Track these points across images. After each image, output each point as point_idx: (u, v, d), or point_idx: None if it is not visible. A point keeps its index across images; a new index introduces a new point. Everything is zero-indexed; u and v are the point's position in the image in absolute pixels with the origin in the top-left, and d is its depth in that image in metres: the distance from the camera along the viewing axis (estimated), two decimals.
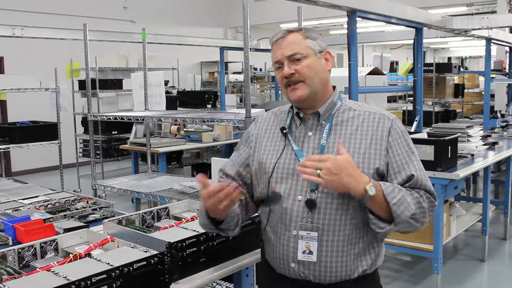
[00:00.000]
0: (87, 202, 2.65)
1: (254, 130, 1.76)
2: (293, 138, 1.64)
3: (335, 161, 1.42)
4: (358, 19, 3.64)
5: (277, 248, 1.62)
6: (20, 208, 2.54)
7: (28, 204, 2.64)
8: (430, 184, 1.60)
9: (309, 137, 1.62)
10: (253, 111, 2.87)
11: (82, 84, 8.05)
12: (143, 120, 3.81)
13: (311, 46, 1.61)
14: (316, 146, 1.60)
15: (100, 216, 2.43)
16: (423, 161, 3.56)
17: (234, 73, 13.47)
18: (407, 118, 7.97)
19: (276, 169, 1.61)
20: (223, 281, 2.59)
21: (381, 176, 1.56)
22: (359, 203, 1.53)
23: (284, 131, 1.65)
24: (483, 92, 8.40)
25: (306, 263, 1.56)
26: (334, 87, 1.69)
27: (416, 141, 3.54)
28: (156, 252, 1.65)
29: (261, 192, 1.65)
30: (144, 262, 1.57)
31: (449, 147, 3.63)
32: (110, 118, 3.99)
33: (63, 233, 2.05)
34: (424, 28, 4.54)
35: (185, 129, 6.70)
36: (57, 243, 1.87)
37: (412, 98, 4.99)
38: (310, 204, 1.54)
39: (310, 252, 1.55)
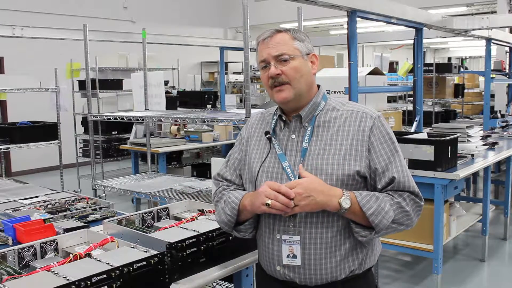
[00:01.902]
0: (87, 202, 2.65)
1: (245, 133, 1.77)
2: (277, 141, 1.64)
3: (300, 184, 1.44)
4: (358, 19, 3.64)
5: (264, 251, 1.64)
6: (20, 208, 2.54)
7: (28, 204, 2.64)
8: (414, 185, 1.58)
9: (292, 140, 1.62)
10: (253, 111, 2.86)
11: (82, 84, 8.06)
12: (143, 120, 3.81)
13: (299, 48, 1.59)
14: (298, 149, 1.59)
15: (100, 216, 2.43)
16: (423, 161, 3.59)
17: (234, 73, 13.46)
18: (407, 118, 7.98)
19: (261, 173, 1.62)
20: (223, 281, 2.59)
21: (363, 177, 1.55)
22: None
23: (268, 135, 1.65)
24: (483, 92, 8.40)
25: (291, 267, 1.57)
26: (318, 86, 1.68)
27: (416, 141, 3.56)
28: (156, 252, 1.65)
29: None
30: (144, 262, 1.57)
31: (449, 147, 3.63)
32: (110, 118, 3.98)
33: (63, 233, 2.05)
34: (424, 28, 4.54)
35: (185, 129, 6.70)
36: (57, 243, 1.87)
37: (412, 98, 4.99)
38: None
39: (294, 256, 1.55)
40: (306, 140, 1.59)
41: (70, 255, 1.69)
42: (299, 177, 1.54)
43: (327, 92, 1.97)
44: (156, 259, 1.61)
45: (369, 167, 1.55)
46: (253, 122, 1.77)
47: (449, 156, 3.63)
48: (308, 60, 1.62)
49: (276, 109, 1.69)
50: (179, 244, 1.74)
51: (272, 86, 1.60)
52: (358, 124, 1.57)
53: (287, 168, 1.58)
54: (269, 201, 1.47)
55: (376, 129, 1.57)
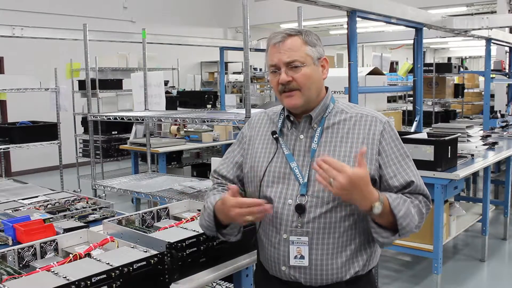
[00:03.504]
0: (87, 202, 2.65)
1: (247, 131, 1.75)
2: (284, 141, 1.63)
3: (349, 177, 1.37)
4: (358, 19, 3.64)
5: (269, 251, 1.63)
6: (20, 208, 2.54)
7: (28, 204, 2.63)
8: (426, 188, 1.61)
9: (301, 140, 1.61)
10: (253, 111, 2.86)
11: (82, 84, 8.06)
12: (143, 120, 3.80)
13: (310, 54, 1.57)
14: (307, 149, 1.59)
15: (100, 216, 2.43)
16: (423, 161, 3.59)
17: (234, 73, 13.47)
18: (407, 118, 7.98)
19: (267, 173, 1.60)
20: (223, 281, 2.59)
21: (373, 180, 1.54)
22: (351, 207, 1.53)
23: (275, 135, 1.64)
24: (483, 92, 8.40)
25: (296, 267, 1.56)
26: (326, 88, 1.67)
27: (416, 141, 3.56)
28: (156, 252, 1.65)
29: (253, 195, 1.64)
30: (144, 262, 1.57)
31: (449, 147, 3.63)
32: (110, 118, 3.98)
33: (63, 233, 2.05)
34: (424, 28, 4.54)
35: (185, 129, 6.70)
36: (57, 243, 1.86)
37: (412, 98, 4.99)
38: (299, 209, 1.53)
39: (302, 257, 1.55)
40: (315, 141, 1.58)
41: (70, 255, 1.69)
42: (308, 179, 1.53)
43: None
44: (156, 259, 1.60)
45: (378, 170, 1.56)
46: (256, 121, 1.75)
47: (449, 156, 3.63)
48: (319, 65, 1.61)
49: (283, 108, 1.68)
50: (179, 244, 1.73)
51: (281, 92, 1.59)
52: (368, 128, 1.58)
53: (295, 169, 1.57)
54: (250, 218, 1.49)
55: (386, 134, 1.58)
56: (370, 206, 1.43)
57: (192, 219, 2.11)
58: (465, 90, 9.79)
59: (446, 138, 3.62)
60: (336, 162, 1.40)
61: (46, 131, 5.51)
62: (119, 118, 3.80)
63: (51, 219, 2.28)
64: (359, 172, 1.39)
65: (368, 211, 1.45)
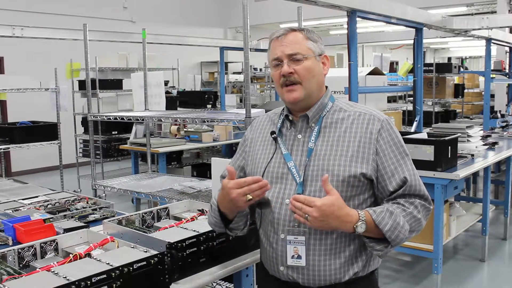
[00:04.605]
0: (87, 202, 2.65)
1: (249, 134, 1.77)
2: (283, 141, 1.63)
3: (319, 209, 1.38)
4: (358, 19, 3.64)
5: (268, 251, 1.63)
6: (20, 208, 2.54)
7: (28, 204, 2.64)
8: (424, 188, 1.58)
9: (298, 139, 1.61)
10: (253, 111, 2.87)
11: (82, 84, 8.06)
12: (143, 120, 3.80)
13: (312, 48, 1.59)
14: (304, 149, 1.59)
15: (100, 216, 2.43)
16: (423, 161, 3.60)
17: (234, 73, 13.47)
18: (407, 118, 7.98)
19: (266, 173, 1.61)
20: (223, 281, 2.59)
21: (370, 180, 1.55)
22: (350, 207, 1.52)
23: (273, 135, 1.64)
24: (483, 92, 8.40)
25: (294, 267, 1.56)
26: (326, 87, 1.68)
27: (416, 141, 3.56)
28: (156, 252, 1.65)
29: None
30: (144, 262, 1.57)
31: (449, 147, 3.63)
32: (110, 118, 3.98)
33: (63, 233, 2.05)
34: (424, 28, 4.54)
35: (185, 129, 6.70)
36: (57, 243, 1.86)
37: (412, 98, 5.00)
38: None
39: (299, 257, 1.54)
40: (313, 140, 1.58)
41: (70, 255, 1.69)
42: (305, 179, 1.53)
43: None
44: (156, 259, 1.61)
45: (376, 170, 1.55)
46: (258, 123, 1.77)
47: (449, 156, 3.63)
48: (320, 61, 1.62)
49: (283, 109, 1.69)
50: (179, 244, 1.74)
51: (283, 85, 1.59)
52: (365, 127, 1.57)
53: (292, 168, 1.57)
54: (249, 196, 1.47)
55: (384, 132, 1.57)
56: (353, 228, 1.44)
57: (192, 219, 2.11)
58: (465, 90, 9.80)
59: (446, 138, 3.62)
60: (305, 197, 1.42)
61: (46, 131, 5.51)
62: (119, 118, 3.80)
63: (51, 219, 2.28)
64: (328, 200, 1.40)
65: (353, 233, 1.46)
